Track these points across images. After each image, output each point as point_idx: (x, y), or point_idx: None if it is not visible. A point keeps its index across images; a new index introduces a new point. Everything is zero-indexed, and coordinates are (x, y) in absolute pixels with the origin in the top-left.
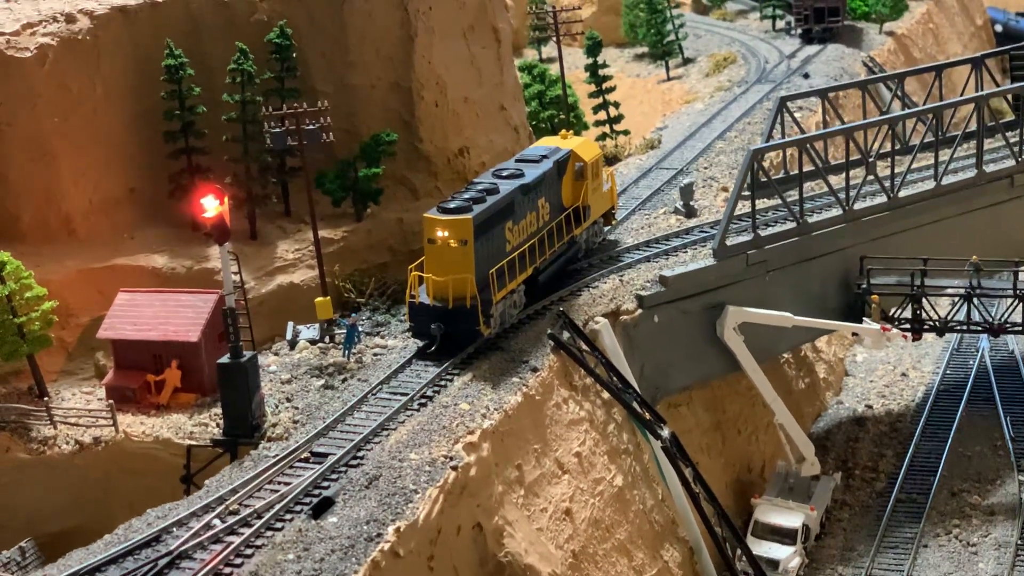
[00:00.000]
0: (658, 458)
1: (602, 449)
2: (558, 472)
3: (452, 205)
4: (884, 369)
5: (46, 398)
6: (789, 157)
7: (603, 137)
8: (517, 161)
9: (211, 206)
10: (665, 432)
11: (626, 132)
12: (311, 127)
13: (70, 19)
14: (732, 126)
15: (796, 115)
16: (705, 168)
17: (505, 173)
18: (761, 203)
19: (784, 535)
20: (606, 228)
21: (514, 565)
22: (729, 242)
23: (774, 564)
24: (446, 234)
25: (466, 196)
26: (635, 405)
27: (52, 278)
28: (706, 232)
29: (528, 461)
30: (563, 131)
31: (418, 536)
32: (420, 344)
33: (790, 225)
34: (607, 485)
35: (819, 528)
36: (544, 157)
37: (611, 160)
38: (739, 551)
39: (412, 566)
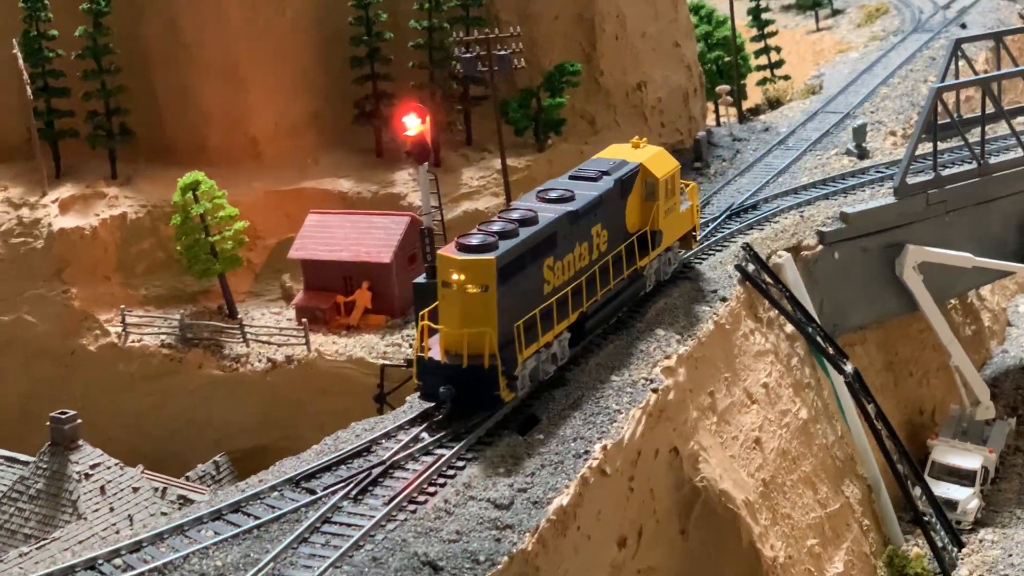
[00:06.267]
0: (838, 394)
1: (787, 382)
2: (747, 401)
3: (474, 240)
4: None
5: (238, 316)
6: (963, 100)
7: (764, 82)
8: (571, 178)
9: (413, 124)
10: (849, 367)
11: (787, 77)
12: (502, 53)
13: None
14: (894, 72)
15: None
16: (872, 112)
17: (553, 195)
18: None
19: (963, 476)
20: (683, 253)
21: (709, 490)
22: (910, 181)
23: (952, 505)
24: (462, 278)
25: (494, 228)
26: (819, 339)
27: (240, 200)
28: (881, 172)
29: (719, 389)
30: (635, 138)
31: (622, 456)
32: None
33: (971, 166)
34: (792, 417)
35: (994, 472)
36: (604, 173)
37: (774, 104)
38: (919, 490)
39: (616, 485)
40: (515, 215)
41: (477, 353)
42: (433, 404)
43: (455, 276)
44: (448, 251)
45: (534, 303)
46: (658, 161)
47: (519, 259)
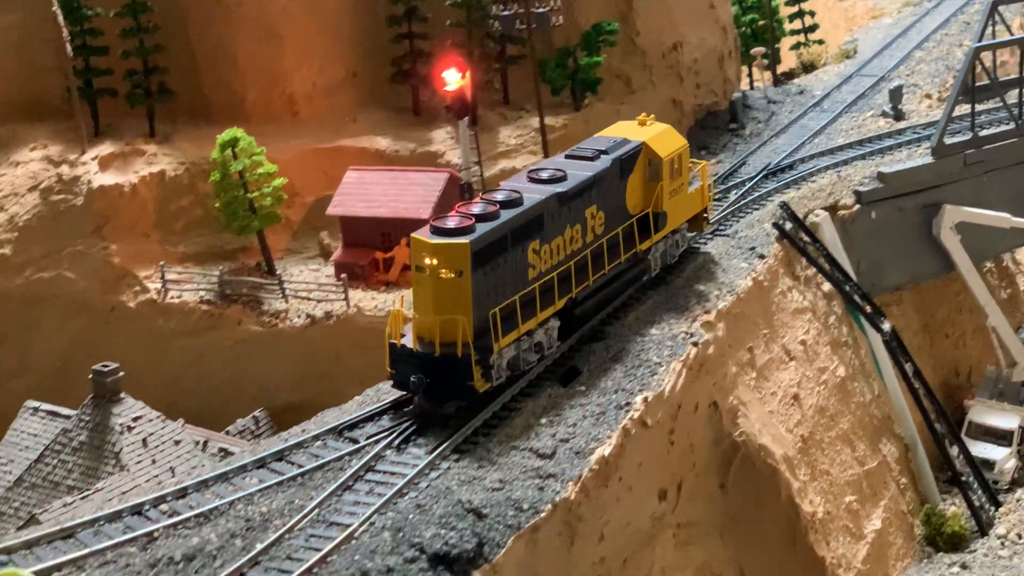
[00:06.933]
0: (875, 353)
1: (825, 339)
2: (785, 358)
3: (450, 223)
4: None
5: (278, 272)
6: (998, 64)
7: (798, 46)
8: (567, 157)
9: (453, 79)
10: (886, 326)
11: (821, 42)
12: (540, 10)
13: None
14: (929, 37)
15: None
16: (907, 76)
17: (544, 175)
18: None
19: (1000, 436)
20: (691, 234)
21: (748, 445)
22: (947, 141)
23: (989, 464)
24: (435, 262)
25: (475, 210)
26: (856, 298)
27: (278, 157)
28: (918, 133)
29: (758, 345)
30: (642, 115)
31: (663, 408)
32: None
33: (1008, 127)
34: (830, 375)
35: None
36: (601, 152)
37: (808, 68)
38: (956, 449)
39: (657, 437)
40: (499, 196)
41: (450, 341)
42: (404, 393)
43: (428, 260)
44: (422, 234)
45: (517, 288)
46: (663, 140)
47: (498, 243)
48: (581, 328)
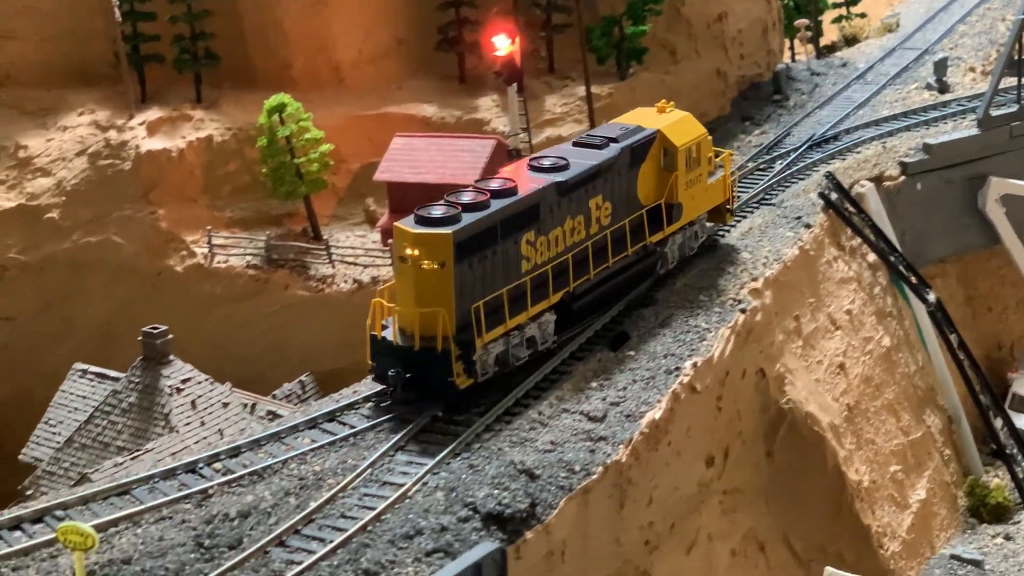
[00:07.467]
0: (919, 324)
1: (870, 310)
2: (831, 327)
3: (435, 212)
4: None
5: (324, 237)
6: None
7: (840, 19)
8: (575, 144)
9: (503, 45)
10: (931, 296)
11: (863, 15)
12: None
13: None
14: (972, 11)
15: None
16: (951, 49)
17: (545, 163)
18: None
19: None
20: (710, 224)
21: (795, 412)
22: (993, 113)
23: None
24: (417, 253)
25: (463, 199)
26: (901, 268)
27: (323, 124)
28: (963, 105)
29: (804, 314)
30: (662, 102)
31: (712, 374)
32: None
33: None
34: (876, 345)
35: None
36: (610, 140)
37: (850, 41)
38: (1000, 421)
39: (705, 403)
40: (493, 184)
41: (431, 335)
42: (385, 387)
43: (409, 251)
44: (404, 223)
45: (507, 282)
46: (680, 128)
47: (485, 233)
48: (583, 324)
